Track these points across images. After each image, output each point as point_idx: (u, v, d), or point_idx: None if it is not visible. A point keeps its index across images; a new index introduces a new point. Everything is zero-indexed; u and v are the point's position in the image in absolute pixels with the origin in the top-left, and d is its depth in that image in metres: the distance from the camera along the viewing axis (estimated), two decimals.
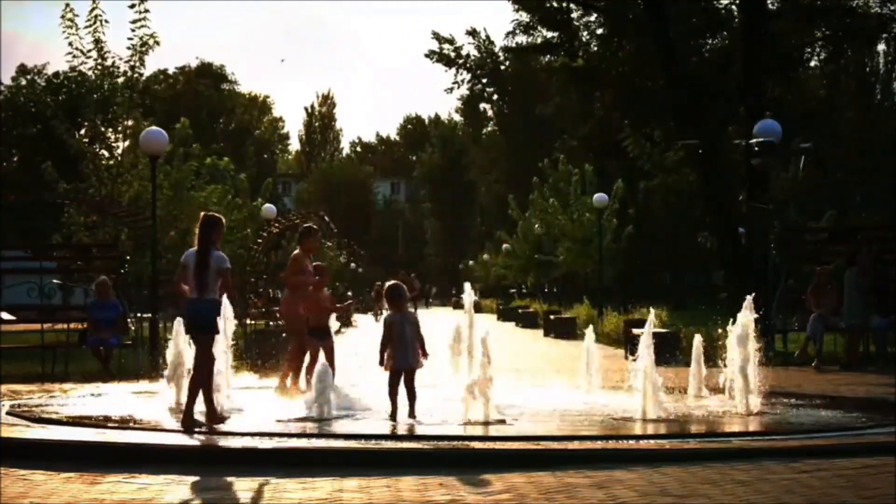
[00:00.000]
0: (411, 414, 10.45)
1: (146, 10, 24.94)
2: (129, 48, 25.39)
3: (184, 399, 11.32)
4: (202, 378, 9.91)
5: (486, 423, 9.69)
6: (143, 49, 25.27)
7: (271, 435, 9.06)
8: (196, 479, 7.51)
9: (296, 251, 13.23)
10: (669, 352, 16.75)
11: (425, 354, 10.68)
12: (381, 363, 10.56)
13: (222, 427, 9.66)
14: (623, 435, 9.50)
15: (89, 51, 25.30)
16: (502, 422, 9.84)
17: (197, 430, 9.45)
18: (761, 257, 21.01)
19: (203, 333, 9.98)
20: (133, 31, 25.14)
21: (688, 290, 45.18)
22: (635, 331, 20.24)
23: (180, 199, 27.44)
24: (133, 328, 19.43)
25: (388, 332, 10.56)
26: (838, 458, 8.02)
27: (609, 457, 8.12)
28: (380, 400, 10.91)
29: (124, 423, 10.04)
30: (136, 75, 25.76)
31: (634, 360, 10.38)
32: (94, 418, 10.34)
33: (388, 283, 11.27)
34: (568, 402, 11.89)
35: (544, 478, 7.34)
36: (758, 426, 10.11)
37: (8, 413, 10.86)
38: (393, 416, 10.39)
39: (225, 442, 9.03)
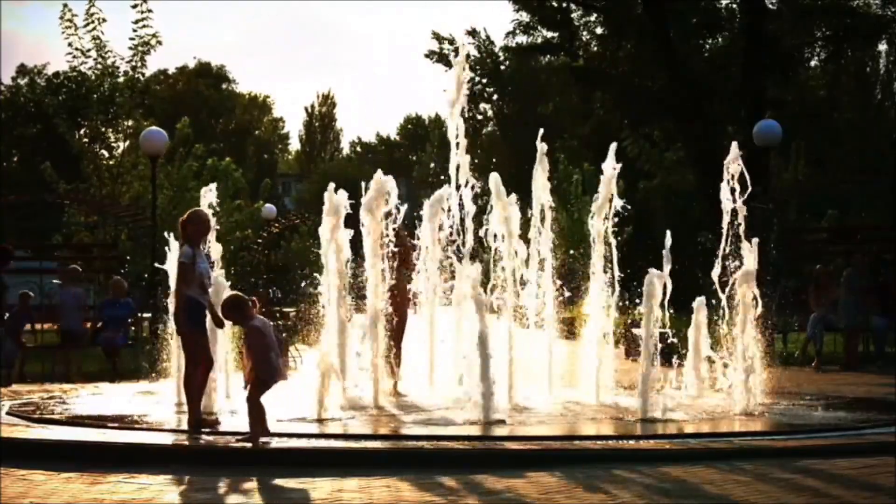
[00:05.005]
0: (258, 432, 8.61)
1: (149, 10, 25.02)
2: (130, 48, 25.45)
3: (182, 399, 11.35)
4: (187, 378, 9.72)
5: (486, 424, 9.69)
6: (145, 49, 25.32)
7: (271, 435, 9.03)
8: (196, 479, 7.51)
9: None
10: (670, 351, 16.73)
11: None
12: (264, 375, 8.59)
13: (220, 427, 9.66)
14: (623, 435, 9.49)
15: (88, 50, 25.35)
16: (502, 422, 9.84)
17: (202, 431, 9.44)
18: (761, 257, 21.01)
19: (179, 333, 9.84)
20: (135, 30, 25.19)
21: (688, 291, 45.09)
22: (635, 331, 20.27)
23: (180, 199, 27.47)
24: (134, 328, 19.46)
25: (269, 338, 8.68)
26: (838, 458, 8.02)
27: (609, 457, 8.11)
28: (384, 399, 10.90)
29: (124, 423, 10.04)
30: (137, 75, 25.82)
31: (634, 360, 10.37)
32: (94, 418, 10.34)
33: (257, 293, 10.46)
34: (568, 401, 11.88)
35: (544, 478, 7.33)
36: (758, 426, 10.11)
37: (8, 413, 10.88)
38: (264, 434, 8.65)
39: (225, 442, 9.02)
